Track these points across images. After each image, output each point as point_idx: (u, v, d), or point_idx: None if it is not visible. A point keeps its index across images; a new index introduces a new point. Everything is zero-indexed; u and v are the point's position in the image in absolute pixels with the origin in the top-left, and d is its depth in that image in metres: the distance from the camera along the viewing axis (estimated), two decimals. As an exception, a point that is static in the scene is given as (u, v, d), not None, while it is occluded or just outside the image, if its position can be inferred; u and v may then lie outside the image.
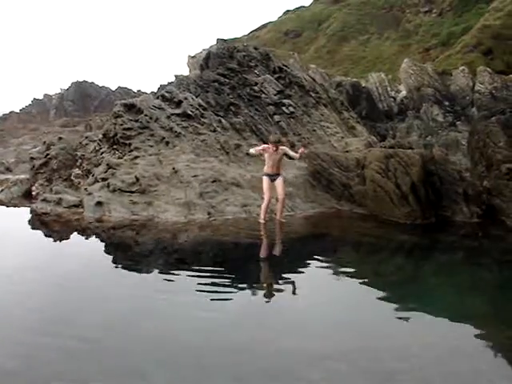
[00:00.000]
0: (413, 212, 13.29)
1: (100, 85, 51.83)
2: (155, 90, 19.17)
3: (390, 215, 13.48)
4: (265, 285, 8.75)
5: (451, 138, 24.36)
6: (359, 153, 15.85)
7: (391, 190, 13.61)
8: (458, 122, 28.24)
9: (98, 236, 12.33)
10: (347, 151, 16.67)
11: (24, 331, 6.57)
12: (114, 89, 51.98)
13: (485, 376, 5.49)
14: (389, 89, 33.26)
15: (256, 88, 18.42)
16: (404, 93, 32.59)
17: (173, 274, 8.98)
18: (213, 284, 8.37)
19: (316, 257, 10.03)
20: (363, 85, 32.05)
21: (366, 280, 8.67)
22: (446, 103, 30.07)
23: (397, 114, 30.89)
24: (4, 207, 16.15)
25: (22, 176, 19.08)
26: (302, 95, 18.90)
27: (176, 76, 22.13)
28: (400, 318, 7.11)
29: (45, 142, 19.56)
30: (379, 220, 13.41)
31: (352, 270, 9.36)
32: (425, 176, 13.79)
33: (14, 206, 16.21)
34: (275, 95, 18.43)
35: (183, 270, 9.12)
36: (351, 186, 14.68)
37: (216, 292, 7.98)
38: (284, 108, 18.04)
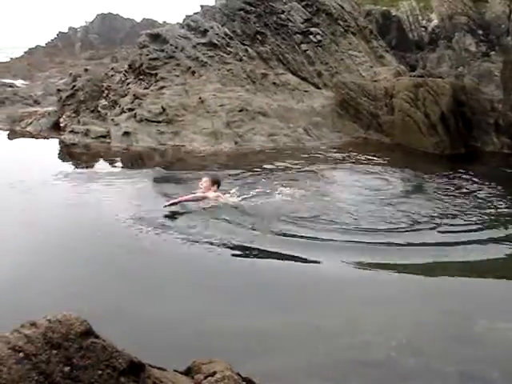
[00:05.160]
0: (441, 142, 13.13)
1: (125, 17, 51.08)
2: (181, 22, 18.79)
3: (417, 145, 13.35)
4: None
5: (484, 69, 23.54)
6: (388, 82, 15.53)
7: (420, 120, 13.43)
8: (492, 52, 27.22)
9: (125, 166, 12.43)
10: (375, 81, 16.34)
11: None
12: (139, 20, 51.15)
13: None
14: (420, 18, 32.11)
15: (283, 16, 17.95)
16: (436, 22, 31.43)
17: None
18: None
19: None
20: (393, 13, 31.00)
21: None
22: (480, 32, 28.92)
23: (427, 44, 29.94)
24: (33, 139, 16.36)
25: (50, 108, 19.20)
26: (330, 23, 18.37)
27: (202, 6, 21.67)
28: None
29: (71, 74, 19.50)
30: (407, 150, 13.28)
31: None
32: (455, 106, 13.54)
33: (43, 138, 16.39)
34: (302, 23, 17.95)
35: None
36: (379, 115, 14.51)
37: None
38: (311, 36, 17.59)
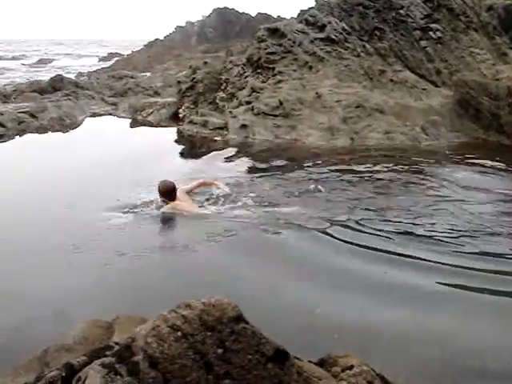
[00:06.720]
0: None
1: (240, 11, 51.99)
2: (295, 16, 19.00)
3: (542, 148, 12.80)
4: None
5: None
6: (511, 81, 14.93)
7: (546, 121, 12.85)
8: None
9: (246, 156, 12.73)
10: (498, 79, 15.74)
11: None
12: (253, 15, 51.93)
13: None
14: (547, 13, 30.33)
15: (402, 12, 17.69)
16: None
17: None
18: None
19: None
20: (518, 8, 29.49)
21: None
22: None
23: (555, 41, 28.23)
24: (154, 128, 17.21)
25: (170, 99, 20.09)
26: (451, 19, 17.87)
27: (316, 0, 21.74)
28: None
29: (191, 67, 20.27)
30: (530, 154, 12.73)
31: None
32: None
33: (163, 128, 17.18)
34: (422, 19, 17.60)
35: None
36: (501, 115, 13.99)
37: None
38: (431, 33, 17.20)
